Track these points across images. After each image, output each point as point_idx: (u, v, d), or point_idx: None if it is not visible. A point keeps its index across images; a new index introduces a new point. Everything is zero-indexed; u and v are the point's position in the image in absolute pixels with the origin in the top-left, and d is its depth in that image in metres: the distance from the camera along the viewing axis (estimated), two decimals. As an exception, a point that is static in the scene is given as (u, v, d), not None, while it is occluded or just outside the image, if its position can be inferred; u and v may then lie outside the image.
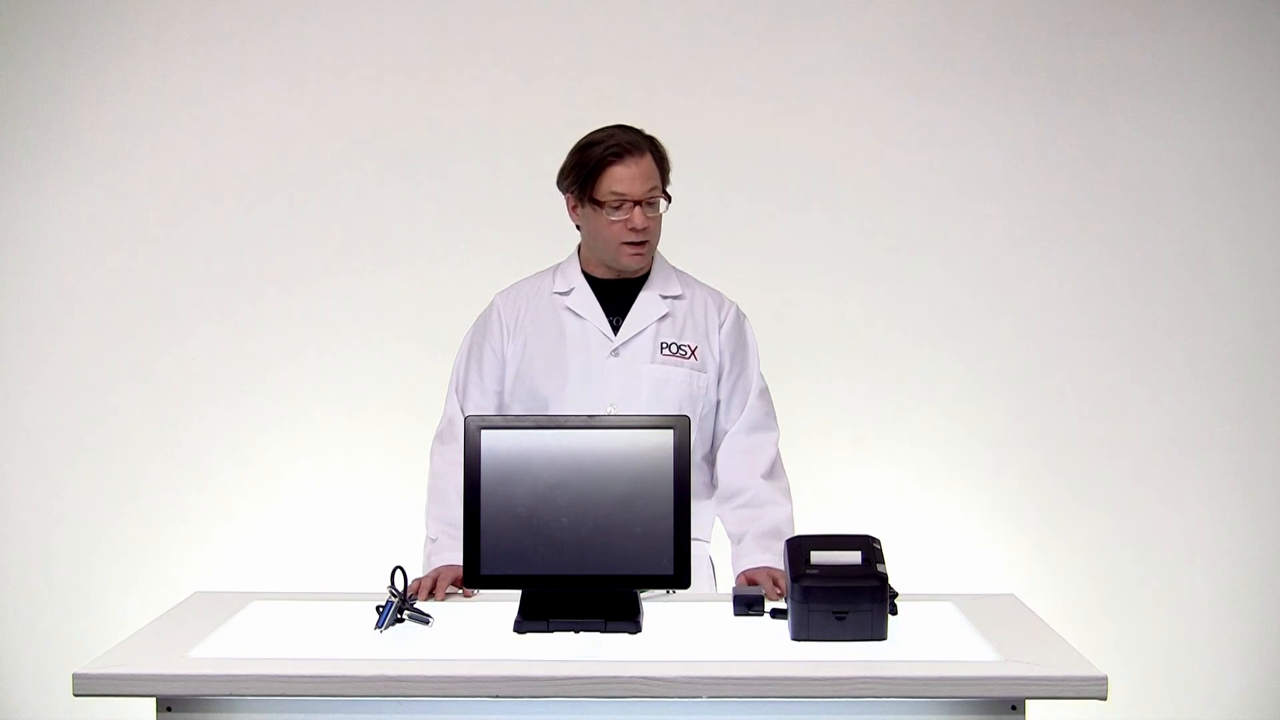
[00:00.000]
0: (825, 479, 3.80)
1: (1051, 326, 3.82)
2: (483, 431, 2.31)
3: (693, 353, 2.75)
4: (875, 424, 3.83)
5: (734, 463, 2.75)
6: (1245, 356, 3.80)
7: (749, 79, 3.82)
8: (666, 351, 2.74)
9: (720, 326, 2.78)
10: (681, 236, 3.75)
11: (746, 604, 2.34)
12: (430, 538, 2.70)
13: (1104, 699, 2.01)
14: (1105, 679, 2.01)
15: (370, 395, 3.85)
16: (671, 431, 2.30)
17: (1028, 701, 2.02)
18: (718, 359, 2.77)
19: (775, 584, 2.48)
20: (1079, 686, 2.01)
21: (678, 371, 2.73)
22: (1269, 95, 3.78)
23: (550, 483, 2.30)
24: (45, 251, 3.85)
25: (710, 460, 2.80)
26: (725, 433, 2.77)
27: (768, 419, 2.79)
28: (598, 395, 2.70)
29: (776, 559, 2.54)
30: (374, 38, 3.84)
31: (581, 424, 2.34)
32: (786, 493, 2.75)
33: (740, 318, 2.82)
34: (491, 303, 2.85)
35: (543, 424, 2.36)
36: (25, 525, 3.86)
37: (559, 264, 2.85)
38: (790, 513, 2.72)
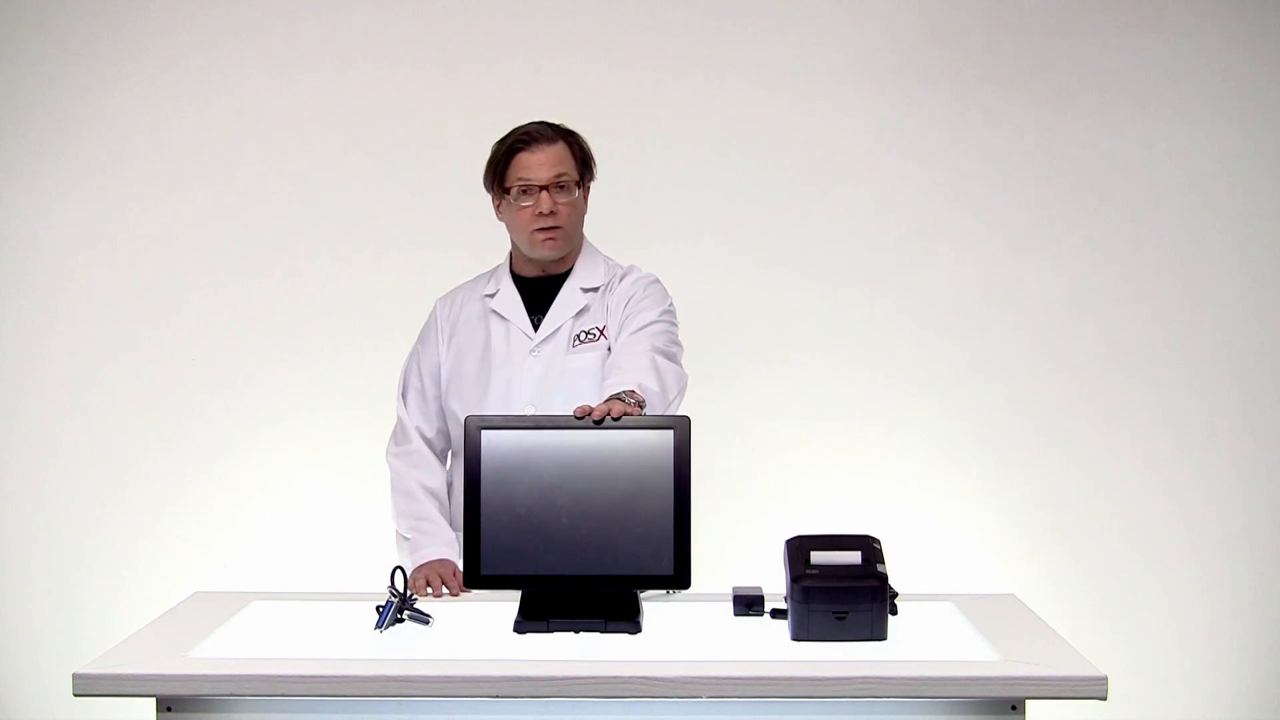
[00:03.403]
0: (825, 478, 3.80)
1: (1051, 326, 3.82)
2: (483, 431, 2.31)
3: (601, 332, 2.73)
4: (875, 424, 3.83)
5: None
6: (1246, 356, 3.80)
7: (748, 79, 3.81)
8: (578, 342, 2.73)
9: (619, 291, 2.74)
10: (681, 234, 3.78)
11: (746, 604, 2.34)
12: (404, 536, 2.71)
13: (1104, 699, 2.01)
14: (1105, 679, 2.01)
15: (371, 395, 3.83)
16: (672, 432, 2.30)
17: (1028, 701, 2.02)
18: (619, 319, 2.72)
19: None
20: (1079, 686, 2.01)
21: (587, 357, 2.71)
22: (1269, 95, 3.77)
23: (550, 483, 2.30)
24: (44, 251, 3.85)
25: None
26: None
27: (670, 346, 2.66)
28: (517, 395, 2.71)
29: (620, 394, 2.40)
30: (374, 38, 3.83)
31: (581, 424, 2.34)
32: (657, 372, 2.54)
33: (640, 278, 2.76)
34: (433, 308, 2.89)
35: (543, 424, 2.36)
36: (25, 525, 3.85)
37: (496, 266, 2.88)
38: (655, 383, 2.50)
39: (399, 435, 2.82)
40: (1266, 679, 3.79)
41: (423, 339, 2.87)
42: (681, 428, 2.31)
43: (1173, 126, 3.78)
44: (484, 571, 2.29)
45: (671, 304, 2.77)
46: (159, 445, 3.85)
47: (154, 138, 3.84)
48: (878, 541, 2.25)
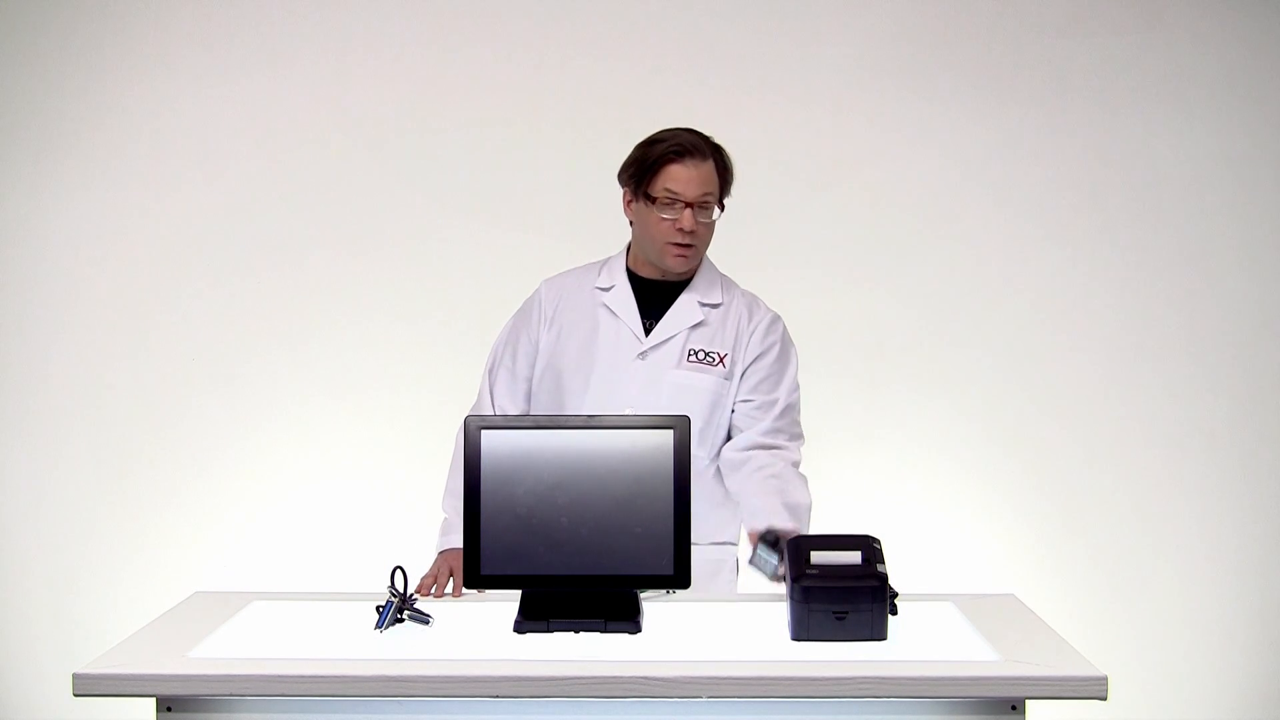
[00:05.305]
0: (825, 479, 3.79)
1: (1052, 326, 3.82)
2: (483, 431, 2.31)
3: (721, 360, 2.71)
4: (875, 424, 3.83)
5: (760, 455, 2.67)
6: (1246, 356, 3.80)
7: (749, 78, 3.81)
8: (693, 358, 2.71)
9: (751, 333, 2.74)
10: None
11: (771, 542, 2.39)
12: (444, 515, 2.71)
13: (1104, 699, 2.01)
14: (1105, 679, 2.01)
15: (371, 395, 3.85)
16: (671, 431, 2.30)
17: (1028, 701, 2.02)
18: (745, 364, 2.72)
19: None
20: (1079, 686, 2.01)
21: (702, 379, 2.69)
22: (1269, 95, 3.78)
23: (550, 483, 2.29)
24: (44, 251, 3.85)
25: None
26: (742, 432, 2.70)
27: (794, 426, 2.74)
28: (620, 397, 2.69)
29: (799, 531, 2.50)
30: (375, 36, 3.84)
31: (581, 424, 2.34)
32: (803, 493, 2.66)
33: (774, 325, 2.77)
34: (537, 289, 2.83)
35: (543, 424, 2.36)
36: (25, 525, 3.86)
37: (609, 258, 2.82)
38: (810, 505, 2.64)
39: (477, 410, 2.77)
40: (1266, 679, 3.79)
41: (523, 317, 2.80)
42: (681, 428, 2.31)
43: (1173, 126, 3.78)
44: (484, 571, 2.29)
45: (795, 355, 2.77)
46: (159, 445, 3.85)
47: (154, 138, 3.84)
48: (878, 541, 2.25)
